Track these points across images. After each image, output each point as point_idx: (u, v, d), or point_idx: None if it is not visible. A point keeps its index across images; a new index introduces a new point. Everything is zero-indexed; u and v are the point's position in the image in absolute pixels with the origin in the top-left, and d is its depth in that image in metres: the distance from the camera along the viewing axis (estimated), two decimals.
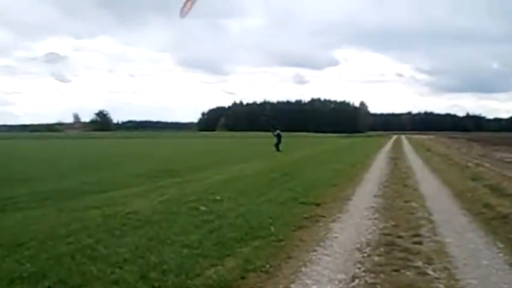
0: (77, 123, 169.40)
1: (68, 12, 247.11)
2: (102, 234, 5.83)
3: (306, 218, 7.07)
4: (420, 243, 5.78)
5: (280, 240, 5.62)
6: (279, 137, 31.68)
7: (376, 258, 5.05)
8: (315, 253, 5.24)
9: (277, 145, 30.98)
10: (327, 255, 5.19)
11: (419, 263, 4.89)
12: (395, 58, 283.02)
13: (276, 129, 33.90)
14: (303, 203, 8.34)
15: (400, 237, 6.06)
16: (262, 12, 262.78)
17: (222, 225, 6.31)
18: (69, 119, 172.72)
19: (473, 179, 12.63)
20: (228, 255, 4.93)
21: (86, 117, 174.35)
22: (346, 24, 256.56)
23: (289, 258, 4.99)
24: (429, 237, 6.13)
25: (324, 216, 7.28)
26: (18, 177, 14.51)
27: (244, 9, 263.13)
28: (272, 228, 6.16)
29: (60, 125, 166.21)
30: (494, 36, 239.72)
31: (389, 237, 6.00)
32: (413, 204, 8.72)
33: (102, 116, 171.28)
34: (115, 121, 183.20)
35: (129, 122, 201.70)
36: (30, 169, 17.67)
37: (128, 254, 4.89)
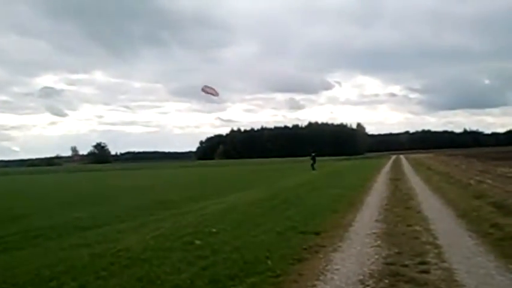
0: (75, 156, 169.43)
1: (62, 47, 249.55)
2: (88, 276, 5.49)
3: (305, 249, 6.72)
4: (427, 271, 5.44)
5: (278, 276, 5.27)
6: (314, 158, 38.85)
7: None
8: None
9: (312, 165, 38.18)
10: None
11: None
12: (387, 79, 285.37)
13: (312, 153, 40.69)
14: (302, 232, 7.99)
15: (405, 265, 5.72)
16: (254, 40, 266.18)
17: (217, 261, 5.97)
18: (67, 153, 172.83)
19: (477, 197, 12.33)
20: None
21: (84, 150, 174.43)
22: (336, 48, 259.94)
23: None
24: (436, 264, 5.80)
25: (324, 246, 6.93)
26: (11, 214, 14.20)
27: (235, 38, 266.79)
28: (269, 262, 5.82)
29: (58, 158, 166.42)
30: (481, 52, 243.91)
31: (393, 267, 5.66)
32: (417, 228, 8.38)
33: (100, 148, 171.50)
34: (113, 153, 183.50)
35: (127, 153, 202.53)
36: (24, 205, 17.29)
37: None
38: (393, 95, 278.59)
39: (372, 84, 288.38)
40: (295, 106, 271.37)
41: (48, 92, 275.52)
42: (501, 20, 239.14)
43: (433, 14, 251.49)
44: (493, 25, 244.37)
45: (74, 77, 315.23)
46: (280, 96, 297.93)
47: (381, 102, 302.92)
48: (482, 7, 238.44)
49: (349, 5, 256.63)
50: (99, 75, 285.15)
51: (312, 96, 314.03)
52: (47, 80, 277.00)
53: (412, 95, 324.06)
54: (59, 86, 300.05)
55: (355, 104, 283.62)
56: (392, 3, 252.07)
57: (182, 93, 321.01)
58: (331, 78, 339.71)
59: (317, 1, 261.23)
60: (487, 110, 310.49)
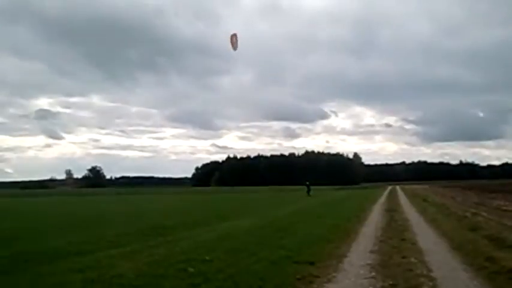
0: (70, 180, 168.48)
1: (59, 70, 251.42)
2: None
3: (298, 279, 6.67)
4: None
5: None
6: (308, 186, 49.57)
7: None
8: None
9: (308, 192, 48.02)
10: None
11: None
12: (382, 110, 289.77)
13: (306, 181, 51.81)
14: (296, 261, 7.94)
15: None
16: (250, 68, 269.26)
17: None
18: (62, 176, 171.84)
19: (472, 230, 12.33)
20: None
21: (78, 174, 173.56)
22: (331, 78, 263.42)
23: None
24: None
25: (318, 277, 6.89)
26: (1, 237, 13.97)
27: (232, 66, 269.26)
28: None
29: (52, 181, 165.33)
30: (474, 85, 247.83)
31: None
32: (412, 259, 8.35)
33: (95, 172, 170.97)
34: (108, 177, 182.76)
35: (122, 177, 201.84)
36: (15, 229, 17.05)
37: None
38: (388, 125, 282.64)
39: (367, 114, 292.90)
40: (291, 135, 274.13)
41: (43, 115, 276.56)
42: (493, 54, 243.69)
43: (427, 47, 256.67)
44: (486, 59, 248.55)
45: (71, 100, 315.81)
46: (276, 125, 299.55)
47: (377, 132, 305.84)
48: (475, 41, 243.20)
49: (344, 36, 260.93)
50: (95, 99, 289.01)
51: (308, 125, 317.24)
52: (43, 102, 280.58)
53: (408, 126, 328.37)
54: (55, 108, 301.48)
55: (351, 134, 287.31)
56: (386, 36, 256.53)
57: (178, 119, 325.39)
58: (327, 108, 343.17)
59: (313, 32, 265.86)
60: (482, 142, 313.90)
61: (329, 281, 6.69)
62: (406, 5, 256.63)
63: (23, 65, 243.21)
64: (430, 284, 6.44)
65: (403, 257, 8.60)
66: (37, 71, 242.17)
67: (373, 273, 7.17)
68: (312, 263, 7.90)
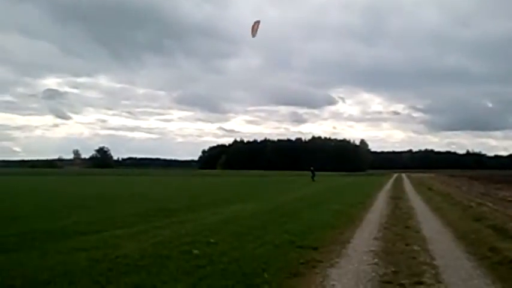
0: (77, 160, 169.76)
1: (67, 50, 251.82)
2: (85, 281, 5.51)
3: (302, 263, 6.72)
4: None
5: None
6: (313, 172, 50.12)
7: None
8: None
9: (312, 177, 48.98)
10: None
11: None
12: (390, 97, 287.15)
13: (311, 167, 52.65)
14: (299, 246, 8.00)
15: (401, 285, 5.73)
16: (258, 52, 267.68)
17: (214, 272, 5.99)
18: (69, 155, 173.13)
19: (477, 220, 12.31)
20: None
21: (86, 154, 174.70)
22: (340, 64, 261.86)
23: None
24: (432, 284, 5.80)
25: (322, 261, 6.94)
26: (9, 215, 14.14)
27: (239, 49, 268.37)
28: (266, 275, 5.83)
29: (60, 161, 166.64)
30: (483, 76, 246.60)
31: (389, 285, 5.67)
32: (415, 247, 8.38)
33: (102, 152, 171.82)
34: (115, 158, 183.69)
35: (129, 159, 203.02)
36: (23, 207, 17.29)
37: None
38: (396, 113, 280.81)
39: (375, 101, 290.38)
40: (298, 120, 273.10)
41: (51, 94, 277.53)
42: (503, 45, 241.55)
43: (436, 36, 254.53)
44: (496, 50, 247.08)
45: (78, 80, 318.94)
46: (283, 109, 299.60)
47: (384, 120, 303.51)
48: (484, 31, 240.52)
49: (353, 23, 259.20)
50: (103, 80, 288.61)
51: (315, 111, 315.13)
52: (51, 82, 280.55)
53: (415, 114, 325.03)
54: (63, 88, 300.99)
55: (358, 120, 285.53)
56: (395, 24, 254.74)
57: (185, 102, 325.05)
58: (334, 94, 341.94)
59: (321, 18, 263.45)
60: (490, 132, 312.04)
61: (332, 266, 6.74)
62: None
63: (32, 44, 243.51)
64: (433, 272, 6.47)
65: (407, 245, 8.63)
66: (45, 51, 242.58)
67: (376, 260, 7.21)
68: (315, 248, 7.96)
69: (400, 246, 8.48)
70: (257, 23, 13.68)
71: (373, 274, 6.27)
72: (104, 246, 8.12)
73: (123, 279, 5.62)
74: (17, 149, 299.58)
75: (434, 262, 7.11)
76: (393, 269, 6.53)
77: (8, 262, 7.00)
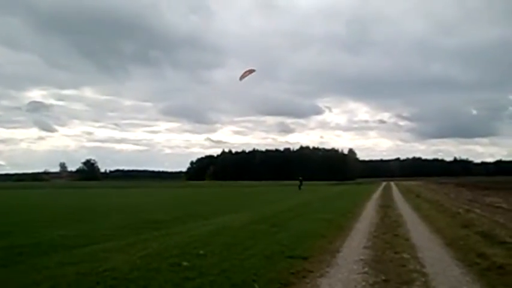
0: (64, 173, 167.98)
1: (51, 62, 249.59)
2: None
3: (292, 273, 6.70)
4: None
5: None
6: (301, 181, 54.93)
7: None
8: None
9: (299, 186, 53.31)
10: None
11: None
12: (376, 106, 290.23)
13: (299, 177, 57.69)
14: (289, 256, 7.97)
15: None
16: (244, 63, 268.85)
17: (204, 284, 5.94)
18: (56, 168, 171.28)
19: (465, 226, 12.42)
20: None
21: (72, 167, 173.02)
22: (326, 73, 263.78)
23: None
24: None
25: (312, 271, 6.93)
26: None
27: (225, 60, 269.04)
28: (256, 285, 5.81)
29: (46, 174, 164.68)
30: (468, 83, 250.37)
31: None
32: (405, 255, 8.41)
33: (89, 165, 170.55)
34: (102, 170, 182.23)
35: (117, 171, 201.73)
36: (8, 221, 17.01)
37: None
38: (383, 121, 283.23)
39: (361, 110, 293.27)
40: (285, 129, 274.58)
41: (36, 107, 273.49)
42: (488, 53, 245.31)
43: (422, 45, 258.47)
44: (480, 57, 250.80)
45: (63, 92, 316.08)
46: (270, 119, 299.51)
47: (371, 128, 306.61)
48: (469, 39, 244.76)
49: (338, 32, 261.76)
50: (88, 92, 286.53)
51: (302, 120, 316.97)
52: (36, 94, 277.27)
53: (402, 123, 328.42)
54: (48, 100, 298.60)
55: (345, 129, 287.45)
56: (380, 33, 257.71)
57: (172, 113, 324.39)
58: (321, 103, 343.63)
59: (306, 27, 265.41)
60: (476, 139, 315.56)
61: (322, 275, 6.73)
62: (400, 3, 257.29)
63: (16, 56, 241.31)
64: (423, 279, 6.50)
65: (396, 253, 8.66)
66: (30, 63, 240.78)
67: (366, 269, 7.22)
68: (305, 258, 7.94)
69: (390, 255, 8.50)
70: (249, 71, 13.77)
71: (363, 283, 6.27)
72: (92, 259, 8.02)
73: None
74: (1, 162, 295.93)
75: (424, 270, 7.14)
76: (383, 278, 6.54)
77: None
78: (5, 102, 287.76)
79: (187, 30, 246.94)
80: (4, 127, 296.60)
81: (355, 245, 9.80)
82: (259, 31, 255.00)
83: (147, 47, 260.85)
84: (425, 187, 54.69)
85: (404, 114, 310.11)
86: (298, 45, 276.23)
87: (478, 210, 17.47)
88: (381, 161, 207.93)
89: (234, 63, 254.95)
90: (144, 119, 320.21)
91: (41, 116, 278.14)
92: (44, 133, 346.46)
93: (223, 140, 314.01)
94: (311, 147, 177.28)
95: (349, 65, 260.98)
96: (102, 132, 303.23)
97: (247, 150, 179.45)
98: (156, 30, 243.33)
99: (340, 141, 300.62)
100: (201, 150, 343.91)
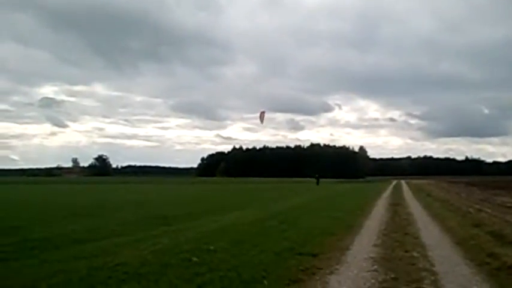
0: (76, 168, 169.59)
1: (62, 58, 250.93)
2: None
3: (302, 270, 6.73)
4: None
5: None
6: (318, 179, 63.33)
7: None
8: None
9: (317, 183, 60.43)
10: None
11: None
12: (386, 104, 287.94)
13: (316, 174, 66.78)
14: (299, 253, 8.01)
15: None
16: (253, 60, 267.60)
17: (213, 279, 5.99)
18: (68, 164, 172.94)
19: (475, 226, 12.33)
20: None
21: (84, 162, 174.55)
22: (335, 71, 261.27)
23: None
24: None
25: (321, 268, 6.95)
26: (7, 224, 14.08)
27: (235, 57, 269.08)
28: (265, 282, 5.85)
29: (59, 169, 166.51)
30: (479, 82, 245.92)
31: None
32: (414, 254, 8.39)
33: (101, 160, 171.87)
34: (114, 166, 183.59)
35: (128, 166, 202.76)
36: (22, 216, 17.24)
37: None
38: (393, 120, 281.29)
39: (371, 108, 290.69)
40: (295, 127, 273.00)
41: (48, 103, 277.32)
42: (498, 51, 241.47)
43: (431, 43, 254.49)
44: (490, 56, 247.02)
45: (74, 88, 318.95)
46: (280, 116, 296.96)
47: (381, 126, 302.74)
48: (478, 37, 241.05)
49: (346, 30, 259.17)
50: (99, 88, 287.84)
51: (312, 118, 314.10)
52: (48, 90, 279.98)
53: (412, 121, 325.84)
54: (59, 96, 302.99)
55: (355, 127, 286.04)
56: (388, 31, 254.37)
57: (183, 109, 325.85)
58: (331, 101, 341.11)
59: (313, 25, 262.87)
60: (487, 139, 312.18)
61: (331, 273, 6.75)
62: (408, 0, 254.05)
63: (28, 53, 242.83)
64: (432, 278, 6.48)
65: (406, 251, 8.64)
66: (41, 59, 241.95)
67: (376, 267, 7.22)
68: (315, 255, 7.97)
69: (400, 253, 8.49)
70: (263, 112, 14.12)
71: (373, 281, 6.28)
72: (104, 254, 8.13)
73: (123, 287, 5.63)
74: (15, 157, 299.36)
75: (434, 268, 7.12)
76: (392, 276, 6.55)
77: (7, 271, 7.00)
78: (17, 98, 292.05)
79: (196, 26, 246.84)
80: (17, 123, 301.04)
81: (365, 242, 9.80)
82: (267, 28, 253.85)
83: (156, 43, 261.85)
84: (436, 186, 54.27)
85: (415, 113, 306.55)
86: (306, 43, 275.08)
87: (489, 210, 17.32)
88: (392, 159, 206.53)
89: (242, 60, 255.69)
90: (154, 115, 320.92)
91: (52, 111, 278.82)
92: (56, 129, 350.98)
93: (233, 136, 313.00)
94: (321, 144, 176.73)
95: (357, 63, 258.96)
96: (113, 128, 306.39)
97: (257, 147, 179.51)
98: (165, 26, 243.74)
99: (350, 139, 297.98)
100: (211, 146, 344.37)
